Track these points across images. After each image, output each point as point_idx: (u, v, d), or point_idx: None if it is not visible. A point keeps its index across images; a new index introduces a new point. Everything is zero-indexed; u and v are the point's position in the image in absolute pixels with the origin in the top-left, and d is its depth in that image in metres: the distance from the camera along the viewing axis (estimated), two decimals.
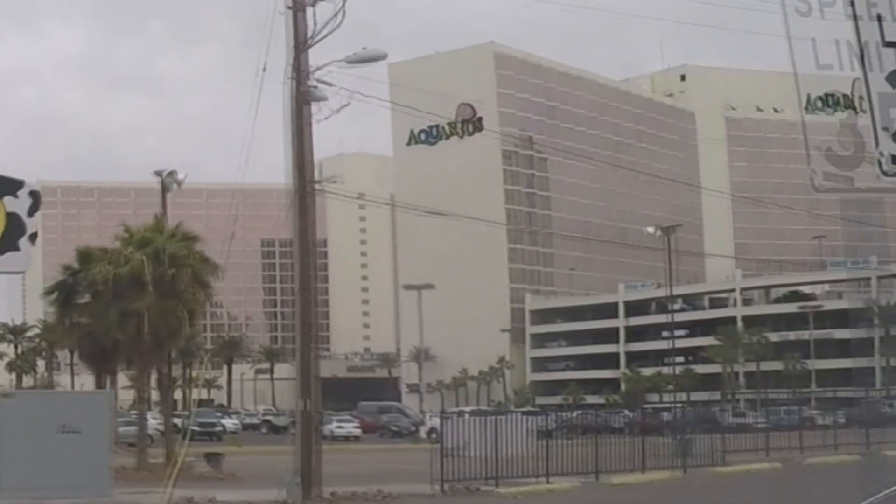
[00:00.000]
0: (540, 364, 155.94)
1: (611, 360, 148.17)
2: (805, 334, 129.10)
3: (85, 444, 16.26)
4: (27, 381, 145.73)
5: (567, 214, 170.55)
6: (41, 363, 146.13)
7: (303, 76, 21.96)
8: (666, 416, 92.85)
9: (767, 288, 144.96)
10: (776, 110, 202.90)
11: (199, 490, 26.78)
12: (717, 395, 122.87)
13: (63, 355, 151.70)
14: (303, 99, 22.27)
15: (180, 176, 43.46)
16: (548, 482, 29.52)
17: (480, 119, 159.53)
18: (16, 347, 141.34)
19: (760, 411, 70.30)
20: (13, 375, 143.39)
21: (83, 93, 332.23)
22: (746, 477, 36.30)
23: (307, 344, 20.22)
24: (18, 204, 41.53)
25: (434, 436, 74.48)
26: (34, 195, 41.86)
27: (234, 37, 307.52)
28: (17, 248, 41.13)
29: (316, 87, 21.58)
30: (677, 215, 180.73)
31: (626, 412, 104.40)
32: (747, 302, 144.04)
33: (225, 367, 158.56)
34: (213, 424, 75.96)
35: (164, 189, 42.71)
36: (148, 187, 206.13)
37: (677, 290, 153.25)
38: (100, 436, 16.86)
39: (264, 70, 22.00)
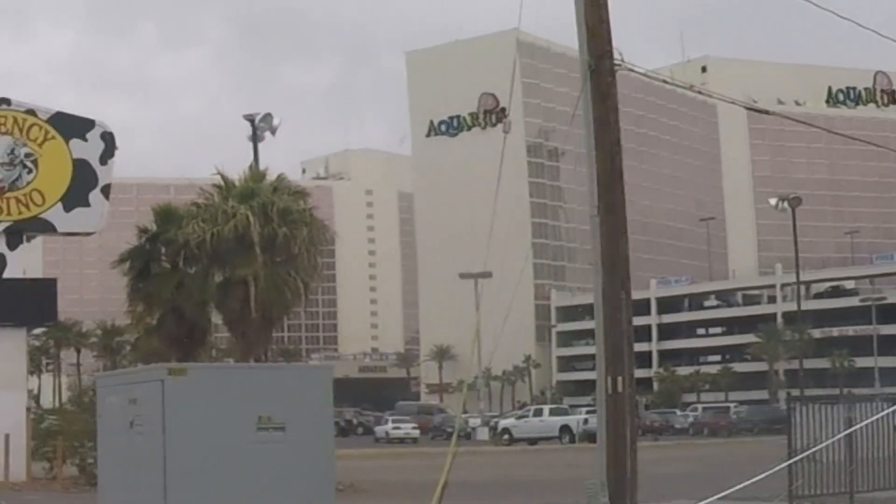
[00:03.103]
0: (567, 363, 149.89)
1: (640, 359, 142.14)
2: (849, 330, 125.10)
3: (298, 448, 9.68)
4: (32, 381, 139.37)
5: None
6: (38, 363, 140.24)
7: None
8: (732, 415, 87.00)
9: (809, 283, 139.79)
10: (798, 103, 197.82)
11: None
12: (749, 395, 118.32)
13: (65, 355, 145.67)
14: None
15: (276, 121, 36.23)
16: None
17: (503, 109, 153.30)
18: None
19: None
20: None
21: (76, 95, 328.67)
22: None
23: (618, 291, 13.89)
24: (88, 149, 33.12)
25: (507, 437, 68.56)
26: (107, 138, 33.65)
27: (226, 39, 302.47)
28: (87, 204, 32.88)
29: None
30: (700, 210, 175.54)
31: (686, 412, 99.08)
32: (782, 298, 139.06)
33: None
34: None
35: (256, 136, 35.54)
36: (149, 183, 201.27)
37: (709, 287, 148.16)
38: (320, 433, 10.23)
39: None
